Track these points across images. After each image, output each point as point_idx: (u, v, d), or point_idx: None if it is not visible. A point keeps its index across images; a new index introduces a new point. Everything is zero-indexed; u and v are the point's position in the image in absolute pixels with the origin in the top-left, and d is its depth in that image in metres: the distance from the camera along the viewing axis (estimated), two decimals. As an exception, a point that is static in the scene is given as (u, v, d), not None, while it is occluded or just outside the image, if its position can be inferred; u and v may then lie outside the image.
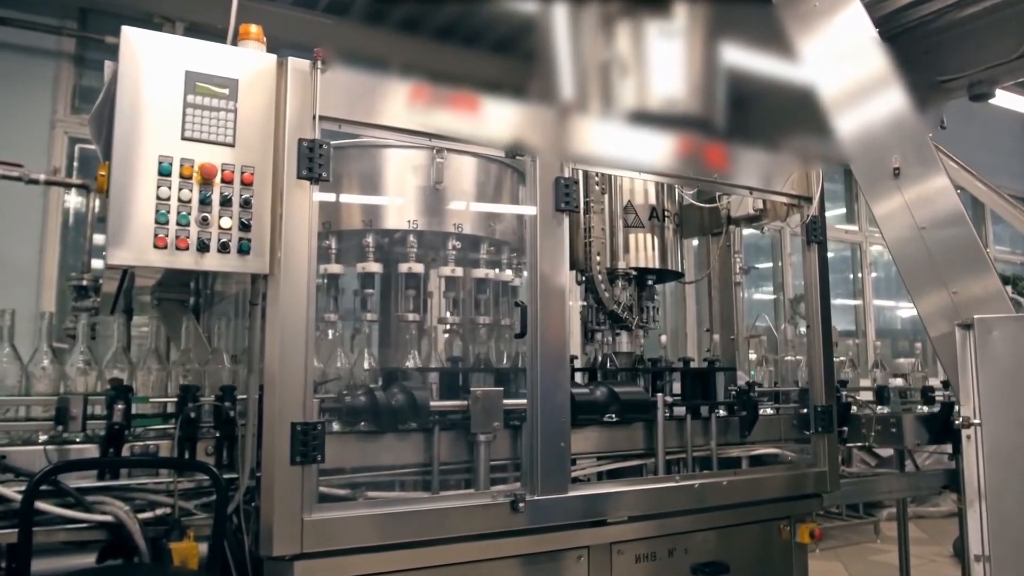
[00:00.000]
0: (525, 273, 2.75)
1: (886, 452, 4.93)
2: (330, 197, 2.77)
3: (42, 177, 3.49)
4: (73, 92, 5.59)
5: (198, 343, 2.80)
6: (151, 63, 2.11)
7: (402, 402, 2.48)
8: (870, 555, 6.36)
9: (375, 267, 2.76)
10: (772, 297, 9.14)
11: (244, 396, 2.39)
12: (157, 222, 2.07)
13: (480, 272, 2.95)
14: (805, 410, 3.40)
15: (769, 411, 3.53)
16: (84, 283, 3.65)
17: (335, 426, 2.47)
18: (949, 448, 3.86)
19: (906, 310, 10.90)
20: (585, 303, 3.45)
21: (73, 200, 5.53)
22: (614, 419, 2.90)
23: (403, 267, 2.78)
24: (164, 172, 2.09)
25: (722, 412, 3.26)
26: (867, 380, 4.30)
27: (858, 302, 9.69)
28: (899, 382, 4.37)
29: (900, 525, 4.23)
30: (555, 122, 2.80)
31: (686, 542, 2.94)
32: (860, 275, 9.69)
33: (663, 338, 3.67)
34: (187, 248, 2.10)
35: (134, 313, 3.30)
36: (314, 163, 2.25)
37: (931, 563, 5.97)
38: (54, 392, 2.46)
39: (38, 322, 2.63)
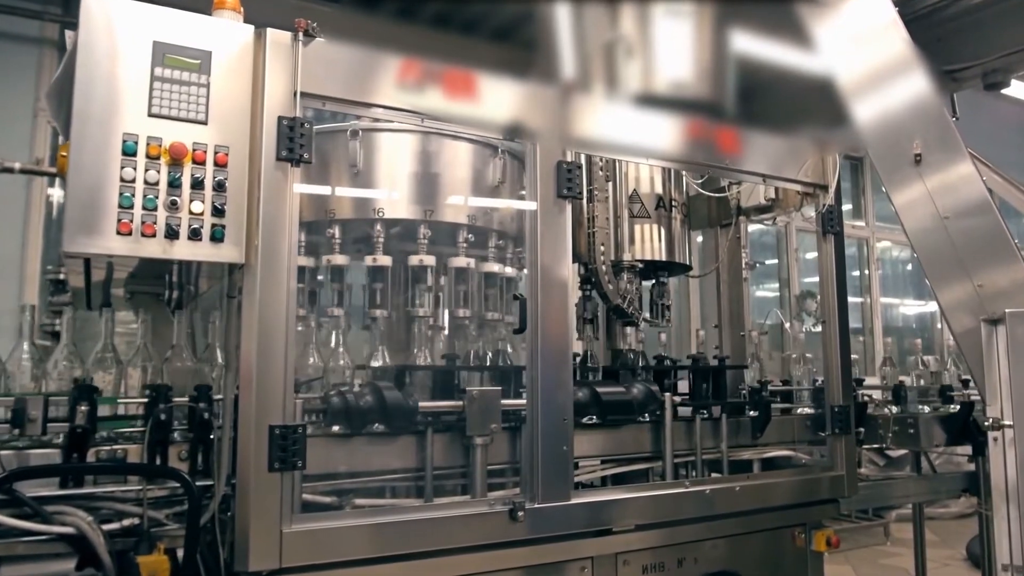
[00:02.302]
0: (526, 271, 2.56)
1: (895, 452, 4.77)
2: (324, 189, 2.60)
3: (17, 165, 3.28)
4: (57, 80, 5.40)
5: (170, 339, 2.62)
6: (115, 32, 1.93)
7: (380, 403, 2.30)
8: (881, 558, 6.18)
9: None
10: (775, 295, 8.97)
11: (221, 396, 2.21)
12: (120, 206, 1.89)
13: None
14: (820, 410, 3.23)
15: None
16: (61, 276, 3.48)
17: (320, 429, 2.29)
18: (959, 448, 3.70)
19: (911, 307, 10.74)
20: (582, 294, 3.26)
21: (57, 193, 5.36)
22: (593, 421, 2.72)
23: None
24: (128, 151, 1.91)
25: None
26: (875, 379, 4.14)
27: (864, 299, 9.51)
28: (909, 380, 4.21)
29: (916, 529, 4.05)
30: (556, 103, 2.62)
31: (695, 551, 2.78)
32: (867, 272, 9.52)
33: (662, 336, 3.49)
34: (154, 235, 1.91)
35: (112, 308, 3.12)
36: (295, 143, 2.07)
37: (945, 567, 5.80)
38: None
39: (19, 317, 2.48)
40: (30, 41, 5.27)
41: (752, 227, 4.57)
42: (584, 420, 2.67)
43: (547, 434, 2.41)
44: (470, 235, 2.73)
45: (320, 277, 2.71)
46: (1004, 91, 5.00)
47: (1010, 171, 4.42)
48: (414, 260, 2.65)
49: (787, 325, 4.10)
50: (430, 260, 2.65)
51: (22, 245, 5.16)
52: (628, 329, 3.30)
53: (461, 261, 2.73)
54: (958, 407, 3.67)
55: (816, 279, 3.37)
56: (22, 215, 5.19)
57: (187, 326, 2.93)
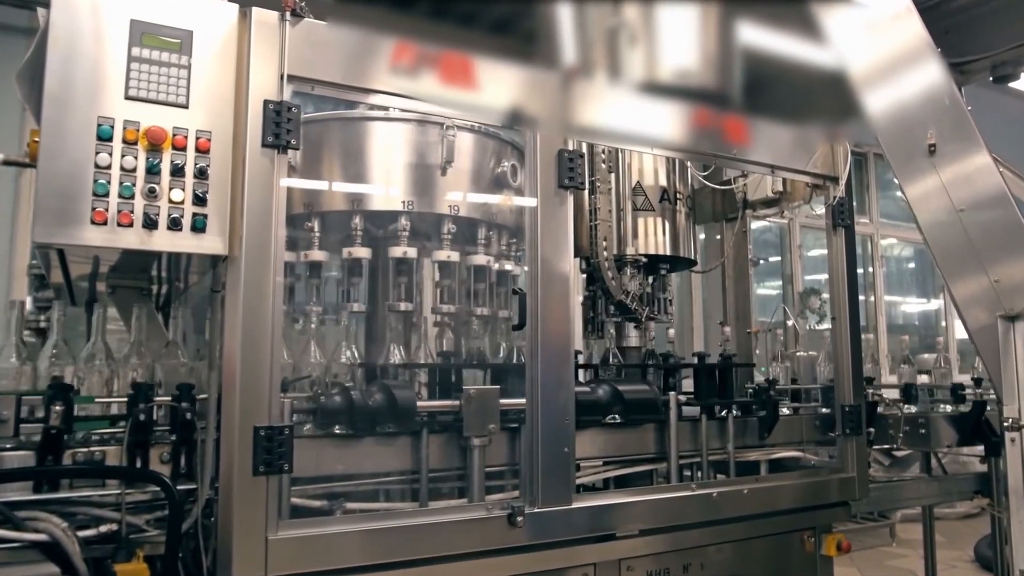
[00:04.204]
0: (526, 268, 2.45)
1: (901, 451, 4.68)
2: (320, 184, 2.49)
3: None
4: (47, 72, 5.28)
5: (155, 336, 2.51)
6: (89, 9, 1.83)
7: (384, 402, 2.19)
8: (886, 560, 6.08)
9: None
10: (776, 292, 8.86)
11: (205, 396, 2.10)
12: (95, 194, 1.78)
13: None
14: (828, 410, 3.12)
15: (786, 411, 3.25)
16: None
17: (308, 429, 2.18)
18: (965, 449, 3.61)
19: (914, 305, 10.63)
20: (587, 292, 3.16)
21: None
22: (617, 420, 2.62)
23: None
24: (104, 136, 1.80)
25: (736, 412, 2.97)
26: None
27: (869, 297, 9.40)
28: (924, 379, 4.10)
29: (926, 532, 3.96)
30: (558, 90, 2.51)
31: (701, 556, 2.68)
32: (871, 269, 9.40)
33: (670, 331, 3.38)
34: (131, 224, 1.81)
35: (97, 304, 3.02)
36: (281, 128, 1.97)
37: (952, 569, 5.69)
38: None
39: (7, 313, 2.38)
40: (19, 31, 5.14)
41: (753, 224, 4.48)
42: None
43: (547, 435, 2.30)
44: (407, 223, 2.56)
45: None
46: (1012, 84, 4.92)
47: (1015, 166, 4.33)
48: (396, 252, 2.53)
49: (790, 322, 4.00)
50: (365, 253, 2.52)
51: (11, 239, 5.06)
52: (631, 326, 3.19)
53: (401, 251, 2.55)
54: (970, 406, 3.57)
55: (817, 276, 3.27)
56: (10, 209, 5.09)
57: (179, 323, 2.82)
